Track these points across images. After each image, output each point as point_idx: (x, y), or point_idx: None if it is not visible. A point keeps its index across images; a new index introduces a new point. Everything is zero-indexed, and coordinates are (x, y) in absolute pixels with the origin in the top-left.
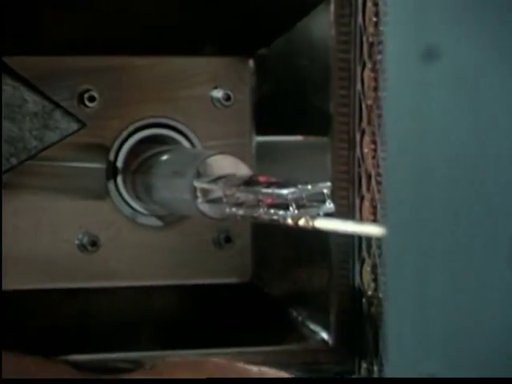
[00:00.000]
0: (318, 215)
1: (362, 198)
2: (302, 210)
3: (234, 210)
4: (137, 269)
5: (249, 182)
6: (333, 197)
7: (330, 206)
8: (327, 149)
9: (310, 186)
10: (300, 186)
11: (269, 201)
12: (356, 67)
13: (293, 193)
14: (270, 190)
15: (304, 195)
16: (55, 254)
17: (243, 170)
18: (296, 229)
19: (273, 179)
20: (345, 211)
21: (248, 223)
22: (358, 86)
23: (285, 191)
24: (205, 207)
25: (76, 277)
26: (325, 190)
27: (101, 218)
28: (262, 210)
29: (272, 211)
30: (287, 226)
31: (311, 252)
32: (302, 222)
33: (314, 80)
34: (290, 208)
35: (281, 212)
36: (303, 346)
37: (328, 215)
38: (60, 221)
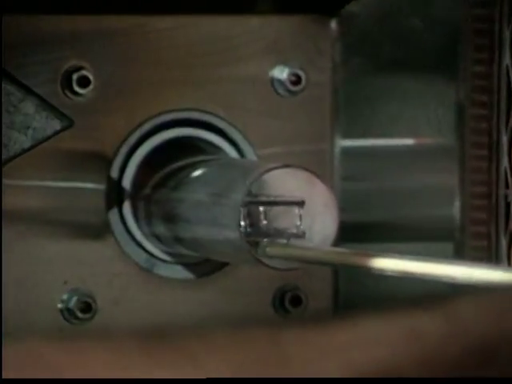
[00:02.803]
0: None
1: (511, 237)
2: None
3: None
4: None
5: None
6: (454, 234)
7: (298, 230)
8: (455, 158)
9: (273, 198)
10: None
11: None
12: (502, 30)
13: (245, 203)
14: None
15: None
16: (27, 325)
17: (320, 190)
18: (402, 279)
19: None
20: (484, 256)
21: (328, 273)
22: (506, 59)
23: (239, 197)
24: None
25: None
26: (295, 208)
27: (98, 268)
28: None
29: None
30: (382, 276)
31: None
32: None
33: (433, 51)
34: (242, 222)
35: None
36: None
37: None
38: (34, 272)
